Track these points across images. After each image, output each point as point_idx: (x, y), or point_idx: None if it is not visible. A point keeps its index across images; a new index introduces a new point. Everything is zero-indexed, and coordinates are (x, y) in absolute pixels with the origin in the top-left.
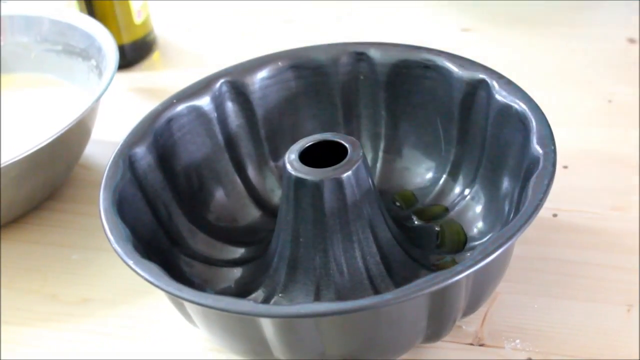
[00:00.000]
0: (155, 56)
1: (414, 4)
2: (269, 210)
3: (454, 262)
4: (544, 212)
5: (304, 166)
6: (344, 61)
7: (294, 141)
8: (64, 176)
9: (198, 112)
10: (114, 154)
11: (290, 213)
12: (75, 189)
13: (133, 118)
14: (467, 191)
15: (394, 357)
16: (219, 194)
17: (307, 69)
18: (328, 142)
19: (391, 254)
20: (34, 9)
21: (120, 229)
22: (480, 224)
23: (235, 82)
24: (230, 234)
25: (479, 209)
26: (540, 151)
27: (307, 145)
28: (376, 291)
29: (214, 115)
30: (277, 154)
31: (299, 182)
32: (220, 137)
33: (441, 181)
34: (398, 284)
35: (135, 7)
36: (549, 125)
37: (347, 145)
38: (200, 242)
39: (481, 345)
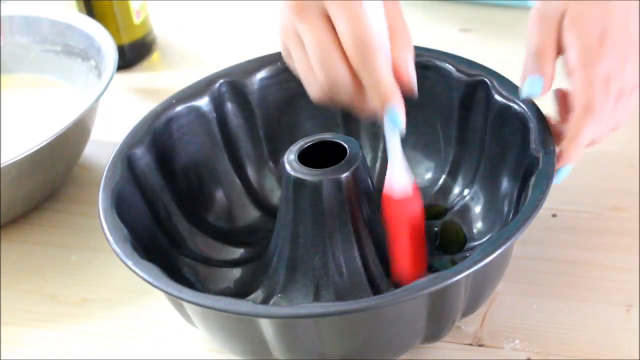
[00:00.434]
0: (154, 56)
1: (414, 4)
2: (268, 211)
3: (453, 263)
4: (544, 212)
5: (303, 166)
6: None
7: (293, 141)
8: (63, 176)
9: (197, 112)
10: (113, 154)
11: (290, 213)
12: (75, 189)
13: (132, 118)
14: (466, 191)
15: (393, 357)
16: (218, 195)
17: None
18: (327, 142)
19: None
20: (33, 10)
21: (119, 229)
22: (479, 224)
23: (234, 82)
24: (229, 235)
25: (478, 209)
26: (540, 151)
27: (306, 145)
28: (375, 292)
29: (213, 115)
30: (277, 154)
31: (298, 183)
32: (219, 137)
33: (440, 181)
34: (397, 284)
35: (134, 7)
36: (548, 126)
37: (346, 145)
38: (200, 243)
39: (480, 345)
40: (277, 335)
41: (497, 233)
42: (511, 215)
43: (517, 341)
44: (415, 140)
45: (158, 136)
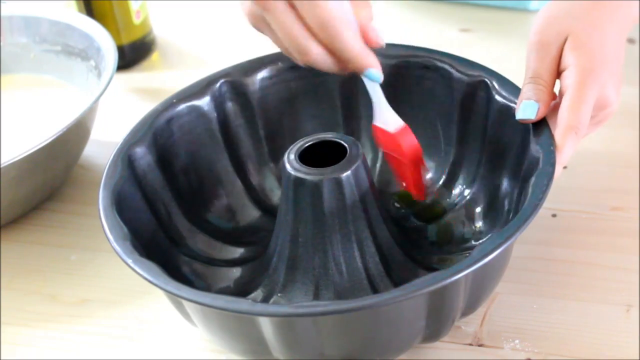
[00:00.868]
0: (154, 56)
1: (414, 4)
2: (268, 210)
3: (452, 262)
4: (544, 212)
5: (303, 166)
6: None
7: (293, 141)
8: (63, 176)
9: (198, 112)
10: (113, 153)
11: (290, 213)
12: (75, 190)
13: (132, 118)
14: (467, 191)
15: (393, 357)
16: (219, 194)
17: (307, 69)
18: (327, 142)
19: (390, 254)
20: (33, 10)
21: (119, 227)
22: (479, 224)
23: (235, 82)
24: (229, 234)
25: (478, 209)
26: (540, 151)
27: (306, 145)
28: (375, 291)
29: (213, 115)
30: (277, 154)
31: (299, 182)
32: (220, 137)
33: (441, 181)
34: (397, 283)
35: (134, 7)
36: (548, 126)
37: (346, 145)
38: (200, 242)
39: (480, 345)
40: (277, 334)
41: (497, 233)
42: (511, 215)
43: (516, 341)
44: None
45: (159, 135)
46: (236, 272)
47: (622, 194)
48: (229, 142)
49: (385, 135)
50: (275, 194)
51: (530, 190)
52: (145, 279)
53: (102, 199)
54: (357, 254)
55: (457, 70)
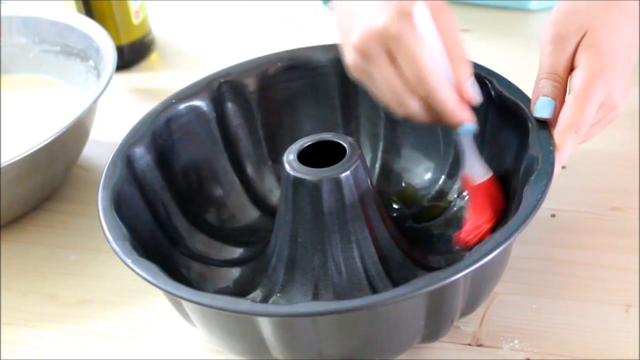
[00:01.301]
0: (153, 57)
1: None
2: (267, 211)
3: (452, 262)
4: (543, 212)
5: (302, 166)
6: (343, 62)
7: (292, 141)
8: (62, 177)
9: (197, 112)
10: (113, 153)
11: (289, 213)
12: (74, 190)
13: (131, 119)
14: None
15: (392, 357)
16: (218, 194)
17: (306, 69)
18: (327, 142)
19: (389, 254)
20: (33, 10)
21: (118, 227)
22: None
23: (234, 82)
24: (228, 234)
25: None
26: (539, 151)
27: (305, 145)
28: (374, 291)
29: (213, 115)
30: (276, 154)
31: (298, 182)
32: (219, 137)
33: (440, 181)
34: (396, 283)
35: (133, 7)
36: (547, 126)
37: (345, 145)
38: (199, 242)
39: (479, 345)
40: (276, 334)
41: (496, 233)
42: (510, 215)
43: (516, 341)
44: (415, 140)
45: (158, 136)
46: (235, 272)
47: (622, 194)
48: (228, 142)
49: (473, 184)
50: (275, 194)
51: (529, 190)
52: (145, 279)
53: (101, 199)
54: (356, 254)
55: None
